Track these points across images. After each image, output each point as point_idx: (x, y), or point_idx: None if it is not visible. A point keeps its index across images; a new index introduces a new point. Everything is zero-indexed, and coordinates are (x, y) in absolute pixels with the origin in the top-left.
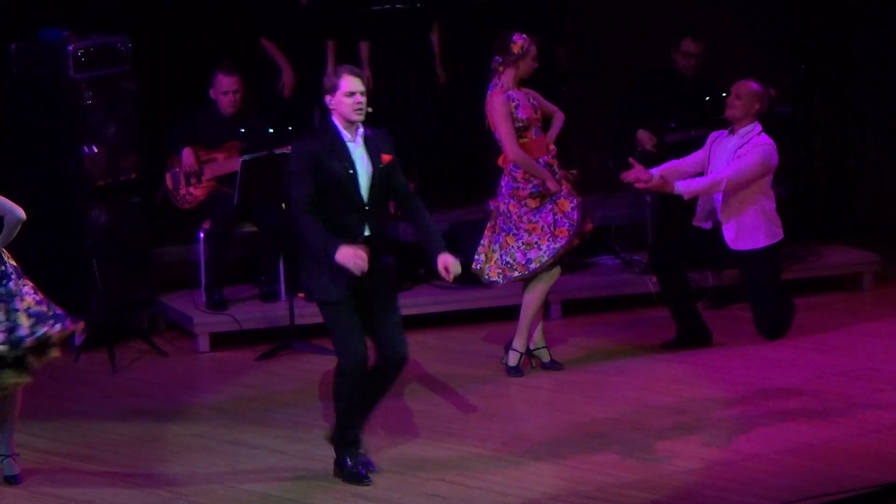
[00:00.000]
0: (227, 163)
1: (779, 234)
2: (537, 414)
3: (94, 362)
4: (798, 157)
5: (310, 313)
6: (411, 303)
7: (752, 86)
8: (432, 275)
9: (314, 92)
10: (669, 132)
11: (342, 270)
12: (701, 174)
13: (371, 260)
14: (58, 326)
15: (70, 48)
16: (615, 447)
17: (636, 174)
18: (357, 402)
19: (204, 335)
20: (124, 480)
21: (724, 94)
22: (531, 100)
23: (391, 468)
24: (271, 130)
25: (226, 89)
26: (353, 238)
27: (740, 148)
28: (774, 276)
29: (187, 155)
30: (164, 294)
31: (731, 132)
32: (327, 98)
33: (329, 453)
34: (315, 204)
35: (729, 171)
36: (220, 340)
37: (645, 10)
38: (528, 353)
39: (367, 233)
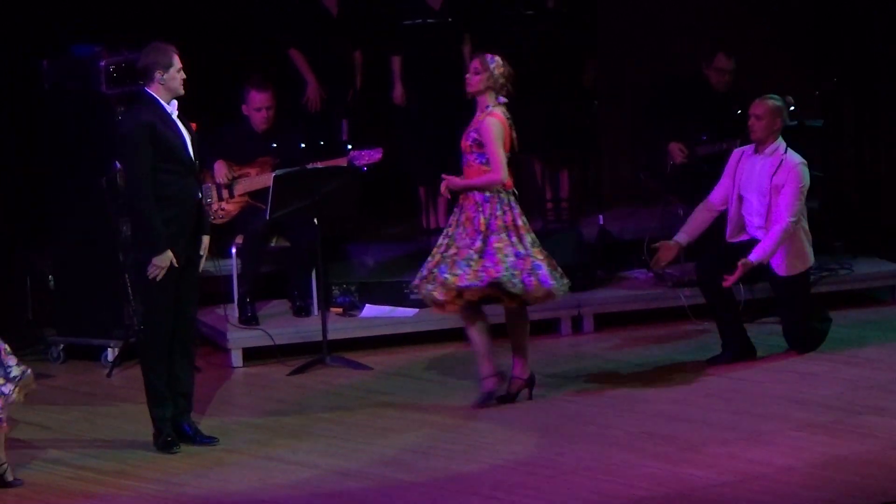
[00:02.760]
0: (260, 178)
1: (811, 253)
2: (570, 427)
3: (127, 378)
4: (829, 170)
5: (342, 328)
6: (443, 317)
7: (770, 103)
8: None
9: (342, 103)
10: (701, 144)
11: (181, 238)
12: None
13: (198, 223)
14: None
15: (102, 63)
16: (648, 460)
17: (667, 257)
18: (162, 373)
19: (237, 350)
20: (157, 495)
21: None
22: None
23: (424, 482)
24: (303, 146)
25: (258, 106)
26: (190, 200)
27: (775, 174)
28: (808, 291)
29: (219, 167)
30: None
31: (757, 151)
32: (158, 73)
33: (363, 466)
34: (154, 174)
35: (786, 215)
36: (253, 355)
37: (674, 23)
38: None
39: (199, 195)
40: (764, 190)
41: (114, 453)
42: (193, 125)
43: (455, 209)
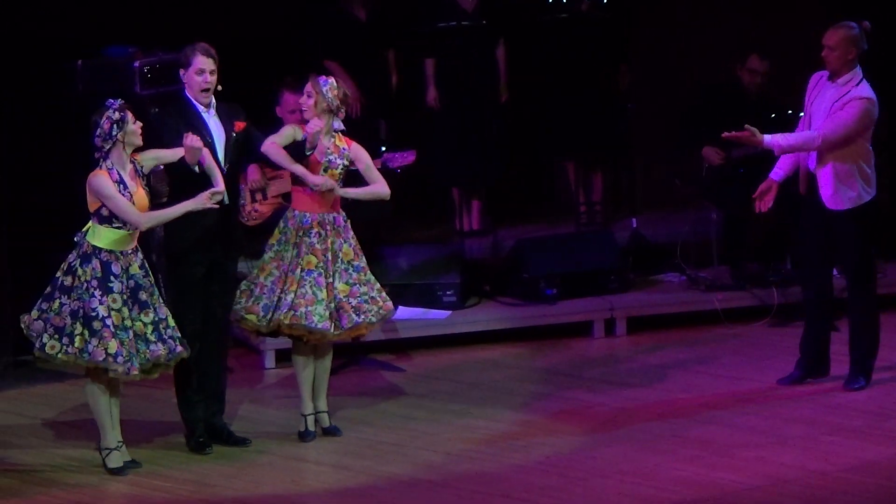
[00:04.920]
0: None
1: (864, 194)
2: (602, 430)
3: (160, 378)
4: None
5: (375, 330)
6: (476, 319)
7: (843, 32)
8: (497, 291)
9: (377, 107)
10: (736, 147)
11: (203, 242)
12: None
13: (225, 225)
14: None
15: (136, 65)
16: (680, 464)
17: (771, 198)
18: (191, 376)
19: (270, 351)
20: (190, 497)
21: (790, 112)
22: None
23: (455, 484)
24: None
25: (293, 108)
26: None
27: (836, 101)
28: (864, 232)
29: (252, 171)
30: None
31: (831, 79)
32: (181, 72)
33: (395, 468)
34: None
35: (825, 128)
36: (286, 357)
37: (707, 27)
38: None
39: (226, 199)
40: (825, 116)
41: (147, 454)
42: (240, 125)
43: (309, 231)
